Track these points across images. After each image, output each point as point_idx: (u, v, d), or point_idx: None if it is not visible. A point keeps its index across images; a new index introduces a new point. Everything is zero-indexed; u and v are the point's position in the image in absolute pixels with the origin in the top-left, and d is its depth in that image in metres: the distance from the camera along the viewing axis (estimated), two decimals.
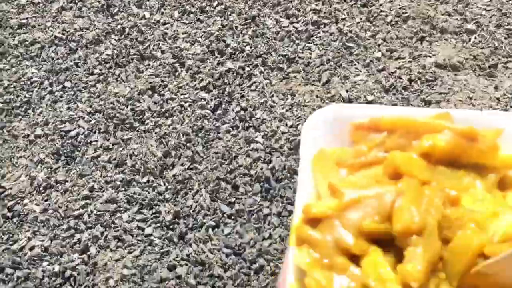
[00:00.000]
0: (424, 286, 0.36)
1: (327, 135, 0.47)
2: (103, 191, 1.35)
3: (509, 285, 0.38)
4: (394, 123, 0.45)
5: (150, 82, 1.62)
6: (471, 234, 0.38)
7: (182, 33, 1.77)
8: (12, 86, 1.66)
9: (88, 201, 1.34)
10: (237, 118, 1.49)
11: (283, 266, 0.41)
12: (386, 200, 0.39)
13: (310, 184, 0.44)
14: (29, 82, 1.66)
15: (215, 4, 1.85)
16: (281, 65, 1.63)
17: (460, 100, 1.52)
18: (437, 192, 0.40)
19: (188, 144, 1.44)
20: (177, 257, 1.20)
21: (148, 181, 1.37)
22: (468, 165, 0.43)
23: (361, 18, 1.76)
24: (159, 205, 1.31)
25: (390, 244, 0.39)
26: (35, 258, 1.23)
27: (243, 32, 1.75)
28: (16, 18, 1.88)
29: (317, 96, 1.55)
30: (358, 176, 0.43)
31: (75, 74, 1.68)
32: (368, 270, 0.38)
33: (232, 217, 1.27)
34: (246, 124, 1.48)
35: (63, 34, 1.81)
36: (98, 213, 1.30)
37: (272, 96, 1.55)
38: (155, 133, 1.48)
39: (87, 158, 1.44)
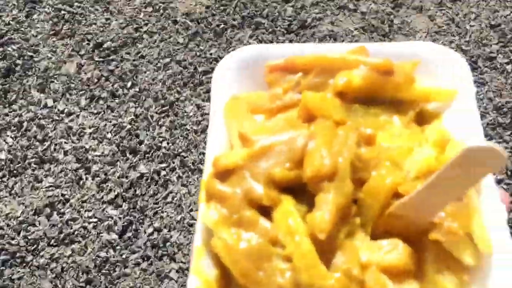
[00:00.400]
0: (333, 236, 0.34)
1: (241, 79, 0.44)
2: None
3: (420, 226, 0.35)
4: (308, 62, 0.42)
5: (49, 196, 1.37)
6: (385, 173, 0.36)
7: (89, 127, 1.52)
8: None
9: None
10: (148, 244, 1.26)
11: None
12: (298, 145, 0.37)
13: (222, 134, 0.41)
14: None
15: (129, 85, 1.61)
16: (202, 166, 1.41)
17: None
18: (351, 131, 0.38)
19: (87, 287, 1.20)
20: None
21: None
22: (385, 100, 0.41)
23: None
24: None
25: (304, 192, 0.36)
26: None
27: (160, 123, 1.51)
28: None
29: None
30: (273, 121, 0.40)
31: None
32: (279, 222, 0.35)
33: None
34: (159, 252, 1.25)
35: None
36: None
37: (191, 210, 1.33)
38: (51, 270, 1.24)
39: None
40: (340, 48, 0.44)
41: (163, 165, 1.42)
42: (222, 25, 1.74)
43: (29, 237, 1.30)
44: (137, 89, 1.60)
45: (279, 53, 0.44)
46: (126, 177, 1.39)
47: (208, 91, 1.57)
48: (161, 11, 1.83)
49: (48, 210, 1.35)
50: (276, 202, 0.36)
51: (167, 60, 1.67)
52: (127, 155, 1.45)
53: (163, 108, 1.54)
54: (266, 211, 0.36)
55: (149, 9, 1.84)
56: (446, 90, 0.41)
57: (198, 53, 1.67)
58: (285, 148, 0.37)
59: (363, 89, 0.40)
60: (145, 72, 1.65)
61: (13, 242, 1.29)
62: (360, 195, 0.37)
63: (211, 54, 1.67)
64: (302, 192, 0.37)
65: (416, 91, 0.41)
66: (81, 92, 1.61)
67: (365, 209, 0.37)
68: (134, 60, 1.69)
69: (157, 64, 1.66)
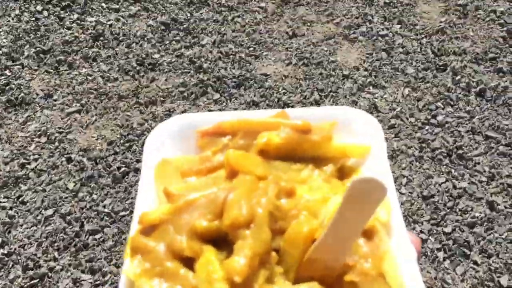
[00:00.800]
0: (251, 280, 0.35)
1: (173, 145, 0.46)
2: None
3: (336, 268, 0.38)
4: (234, 125, 0.45)
5: None
6: (303, 221, 0.39)
7: None
8: None
9: None
10: None
11: None
12: (219, 198, 0.39)
13: (151, 194, 0.43)
14: None
15: None
16: None
17: None
18: (271, 184, 0.40)
19: None
20: None
21: None
22: (305, 157, 0.44)
23: None
24: None
25: (226, 242, 0.38)
26: None
27: None
28: None
29: None
30: (200, 180, 0.42)
31: None
32: (199, 271, 0.37)
33: None
34: None
35: None
36: None
37: None
38: None
39: None
40: (263, 114, 0.47)
41: None
42: (123, 168, 1.50)
43: None
44: (5, 252, 1.32)
45: (209, 120, 0.46)
46: None
47: (91, 260, 1.30)
48: (56, 143, 1.58)
49: None
50: (198, 253, 0.37)
51: (50, 211, 1.40)
52: None
53: (31, 282, 1.26)
54: (189, 263, 0.37)
55: (43, 139, 1.59)
56: (361, 146, 0.45)
57: (89, 205, 1.42)
58: (207, 201, 0.39)
59: (283, 147, 0.43)
60: (21, 226, 1.38)
61: None
62: (281, 244, 0.38)
63: (104, 206, 1.42)
64: (224, 242, 0.38)
65: (333, 148, 0.44)
66: None
67: (286, 256, 0.38)
68: (11, 208, 1.42)
69: (37, 215, 1.40)
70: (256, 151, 0.43)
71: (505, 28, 1.83)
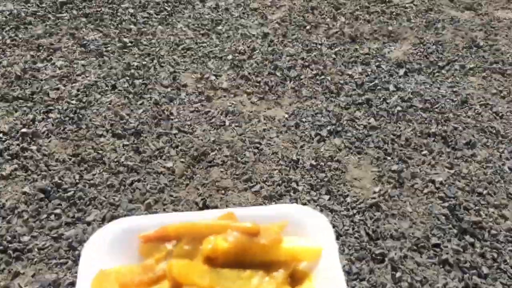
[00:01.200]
0: None
1: (113, 253, 0.43)
2: None
3: None
4: (179, 230, 0.44)
5: None
6: None
7: None
8: None
9: None
10: None
11: None
12: None
13: None
14: None
15: None
16: None
17: None
18: None
19: None
20: None
21: None
22: (255, 262, 0.43)
23: None
24: None
25: None
26: None
27: None
28: None
29: None
30: None
31: None
32: None
33: None
34: None
35: None
36: None
37: None
38: None
39: None
40: (210, 215, 0.47)
41: None
42: None
43: None
44: None
45: (152, 224, 0.44)
46: None
47: None
48: None
49: None
50: None
51: None
52: None
53: None
54: None
55: None
56: (312, 249, 0.45)
57: None
58: None
59: (231, 251, 0.42)
60: None
61: None
62: None
63: None
64: None
65: (283, 252, 0.44)
66: None
67: None
68: None
69: None
70: (202, 258, 0.42)
71: (446, 204, 1.60)
